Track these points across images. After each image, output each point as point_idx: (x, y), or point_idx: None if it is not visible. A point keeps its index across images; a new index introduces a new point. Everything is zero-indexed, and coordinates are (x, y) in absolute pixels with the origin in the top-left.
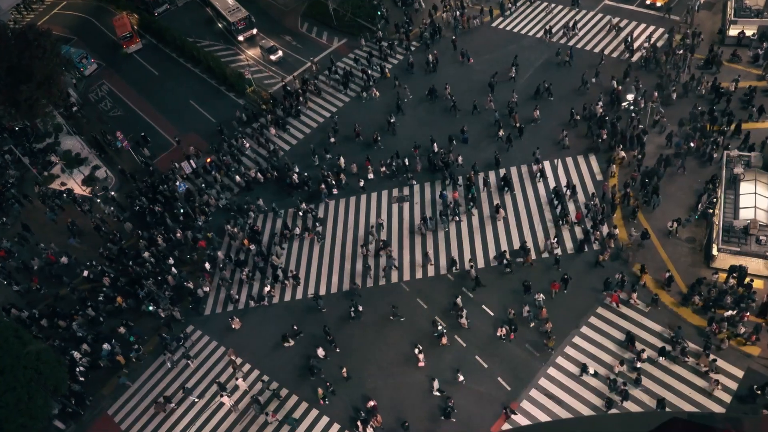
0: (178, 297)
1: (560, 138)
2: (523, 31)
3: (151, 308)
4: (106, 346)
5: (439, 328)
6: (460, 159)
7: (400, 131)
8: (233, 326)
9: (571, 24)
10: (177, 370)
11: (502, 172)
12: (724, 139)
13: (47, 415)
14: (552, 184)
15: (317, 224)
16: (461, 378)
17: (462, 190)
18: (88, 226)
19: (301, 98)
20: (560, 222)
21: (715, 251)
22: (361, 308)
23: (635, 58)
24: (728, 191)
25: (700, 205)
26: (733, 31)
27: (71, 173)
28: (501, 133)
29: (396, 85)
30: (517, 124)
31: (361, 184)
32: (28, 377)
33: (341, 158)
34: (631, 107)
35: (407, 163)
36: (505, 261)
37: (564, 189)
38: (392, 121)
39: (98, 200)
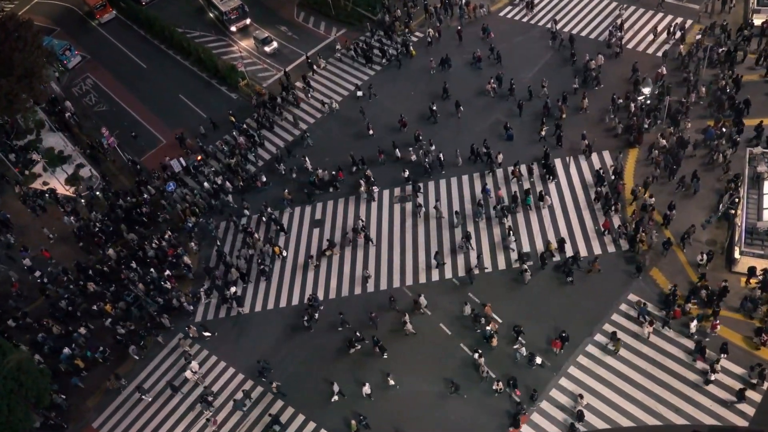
0: (167, 304)
1: (612, 125)
2: (532, 21)
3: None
4: (66, 350)
5: (488, 329)
6: (500, 157)
7: (442, 120)
8: (190, 335)
9: (618, 23)
10: (164, 381)
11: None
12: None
13: (28, 429)
14: (596, 166)
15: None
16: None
17: (505, 188)
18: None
19: (278, 108)
20: (609, 210)
21: (737, 254)
22: (317, 316)
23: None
24: (751, 191)
25: (721, 206)
26: (757, 21)
27: (54, 172)
28: (543, 132)
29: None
30: (563, 115)
31: (406, 174)
32: (8, 388)
33: (307, 159)
34: (647, 102)
35: (441, 157)
36: (565, 270)
37: (612, 177)
38: (434, 108)
39: (82, 200)
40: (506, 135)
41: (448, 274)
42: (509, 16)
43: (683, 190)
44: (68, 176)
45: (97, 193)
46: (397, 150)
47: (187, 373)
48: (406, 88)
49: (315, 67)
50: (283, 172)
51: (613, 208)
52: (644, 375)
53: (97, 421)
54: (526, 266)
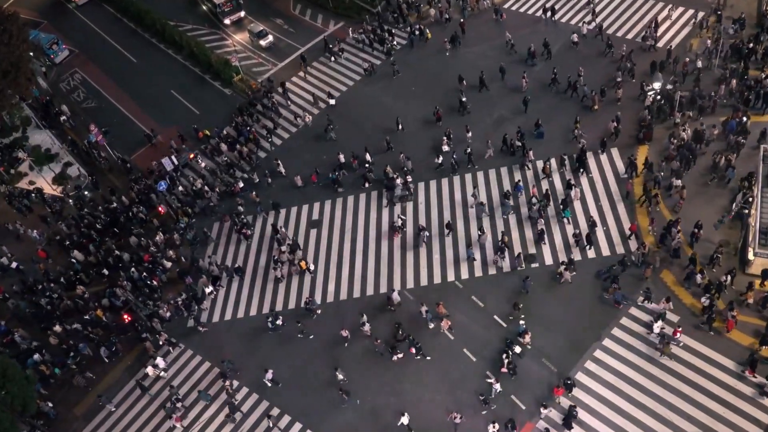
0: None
1: (640, 113)
2: (538, 14)
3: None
4: (36, 356)
5: (521, 324)
6: (531, 155)
7: (474, 111)
8: (160, 342)
9: (653, 24)
10: (155, 388)
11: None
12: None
13: None
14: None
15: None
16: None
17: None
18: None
19: (256, 116)
20: (649, 204)
21: (750, 255)
22: (280, 321)
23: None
24: (765, 189)
25: (734, 205)
26: None
27: (40, 171)
28: (577, 131)
29: (394, 70)
30: (596, 106)
31: (439, 159)
32: None
33: (280, 163)
34: (658, 97)
35: (469, 151)
36: (607, 276)
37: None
38: (464, 100)
39: (70, 200)
40: (536, 133)
41: (451, 277)
42: (513, 8)
43: (716, 181)
44: (55, 175)
45: (86, 192)
46: (368, 154)
47: (149, 369)
48: (422, 76)
49: (334, 54)
50: (257, 180)
51: (651, 202)
52: (654, 381)
53: (85, 430)
54: (562, 267)
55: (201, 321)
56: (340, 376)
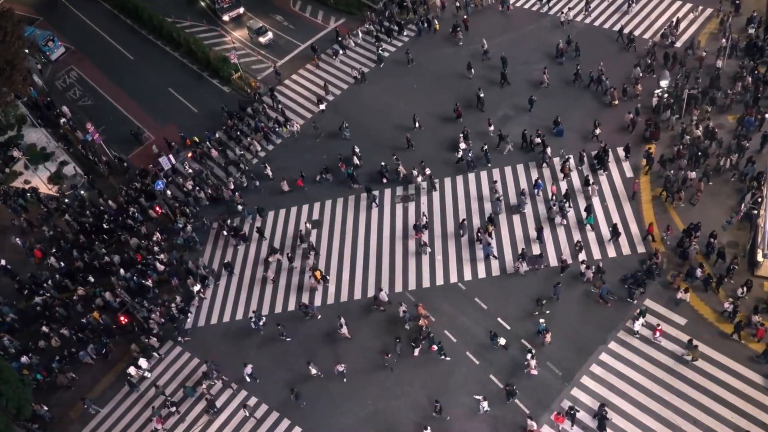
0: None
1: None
2: (542, 10)
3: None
4: (24, 359)
5: (541, 321)
6: (548, 151)
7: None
8: (151, 343)
9: (674, 22)
10: (148, 394)
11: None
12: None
13: None
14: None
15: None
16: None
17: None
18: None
19: (246, 119)
20: (668, 200)
21: (760, 257)
22: (262, 321)
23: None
24: None
25: (743, 206)
26: None
27: (36, 170)
28: (598, 131)
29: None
30: (615, 101)
31: (459, 154)
32: None
33: (267, 166)
34: (665, 96)
35: (485, 148)
36: (638, 281)
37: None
38: (482, 96)
39: (66, 200)
40: (555, 130)
41: (454, 278)
42: (518, 4)
43: (735, 179)
44: (51, 174)
45: (82, 192)
46: (355, 157)
47: (131, 369)
48: (431, 69)
49: (345, 48)
50: (245, 184)
51: (674, 198)
52: (661, 384)
53: None
54: (583, 267)
55: (184, 331)
56: (314, 371)
